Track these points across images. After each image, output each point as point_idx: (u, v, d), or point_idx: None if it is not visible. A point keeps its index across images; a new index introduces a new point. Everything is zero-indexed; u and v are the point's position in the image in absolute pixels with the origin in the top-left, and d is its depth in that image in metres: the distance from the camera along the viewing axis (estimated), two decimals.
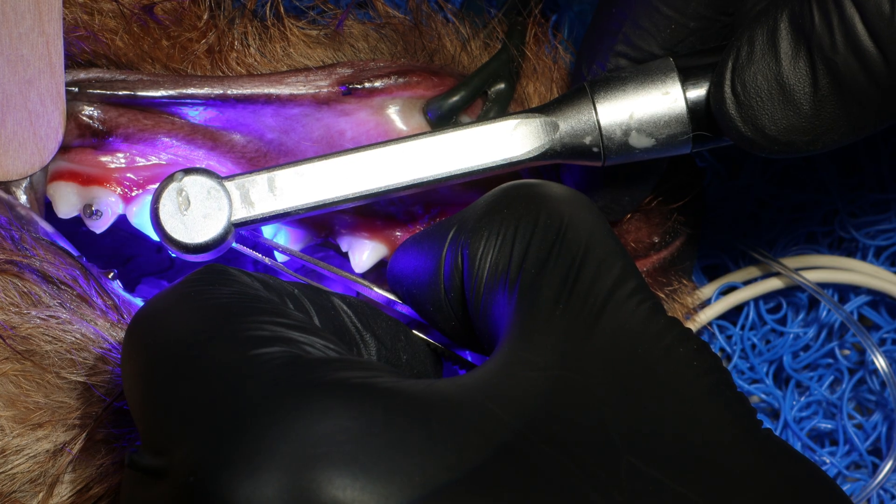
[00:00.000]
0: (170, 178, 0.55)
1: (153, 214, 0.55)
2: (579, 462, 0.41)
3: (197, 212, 0.55)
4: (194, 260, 0.56)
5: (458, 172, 0.56)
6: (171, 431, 0.41)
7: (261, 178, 0.56)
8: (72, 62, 0.60)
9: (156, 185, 0.61)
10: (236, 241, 0.57)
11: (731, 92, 0.54)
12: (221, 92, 0.60)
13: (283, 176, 0.56)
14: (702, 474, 0.42)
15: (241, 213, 0.56)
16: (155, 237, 0.61)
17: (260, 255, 0.58)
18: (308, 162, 0.56)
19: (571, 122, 0.56)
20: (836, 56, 0.51)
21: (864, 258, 0.73)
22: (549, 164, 0.59)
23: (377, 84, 0.61)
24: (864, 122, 0.53)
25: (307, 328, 0.44)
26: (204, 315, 0.44)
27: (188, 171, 0.56)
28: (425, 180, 0.56)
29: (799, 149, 0.54)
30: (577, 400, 0.43)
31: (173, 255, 0.57)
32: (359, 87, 0.61)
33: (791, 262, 0.72)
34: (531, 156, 0.56)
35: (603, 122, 0.56)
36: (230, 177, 0.56)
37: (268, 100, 0.61)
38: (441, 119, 0.61)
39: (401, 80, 0.61)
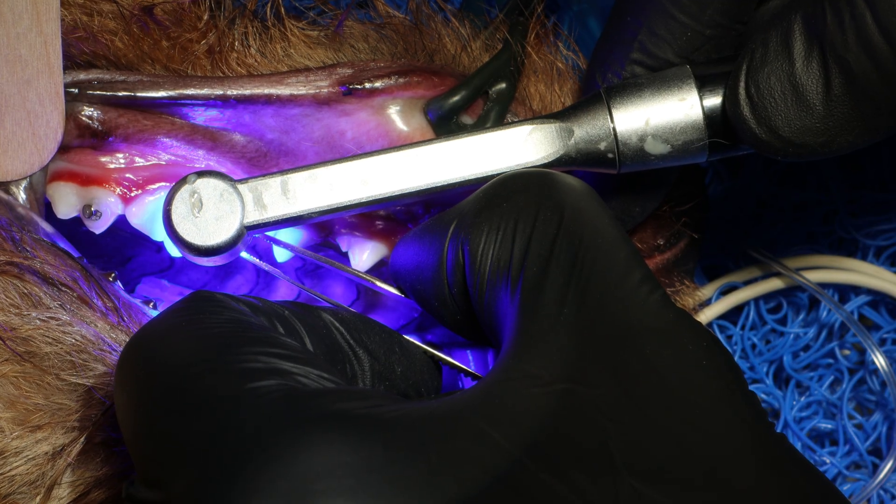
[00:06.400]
0: (182, 181, 0.55)
1: (165, 216, 0.55)
2: (578, 489, 0.41)
3: (209, 214, 0.55)
4: (205, 263, 0.56)
5: (473, 178, 0.56)
6: (168, 465, 0.41)
7: (274, 182, 0.56)
8: (71, 63, 0.60)
9: (155, 186, 0.61)
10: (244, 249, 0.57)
11: (746, 94, 0.54)
12: (221, 92, 0.60)
13: (297, 179, 0.56)
14: (707, 492, 0.42)
15: (253, 216, 0.55)
16: (157, 237, 0.61)
17: (263, 263, 0.58)
18: (322, 166, 0.56)
19: (587, 128, 0.56)
20: (847, 54, 0.51)
21: (864, 258, 0.74)
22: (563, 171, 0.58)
23: (377, 84, 0.61)
24: (878, 123, 0.52)
25: (301, 358, 0.44)
26: (196, 346, 0.44)
27: (201, 174, 0.55)
28: (438, 185, 0.56)
29: (814, 151, 0.54)
30: (580, 418, 0.43)
31: (181, 255, 0.57)
32: (359, 87, 0.60)
33: (791, 262, 0.72)
34: (546, 161, 0.56)
35: (619, 128, 0.56)
36: (243, 180, 0.56)
37: (268, 100, 0.61)
38: (442, 119, 0.61)
39: (401, 80, 0.61)
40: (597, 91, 0.57)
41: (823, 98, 0.52)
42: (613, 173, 0.57)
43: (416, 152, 0.56)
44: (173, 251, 0.58)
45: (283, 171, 0.56)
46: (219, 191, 0.55)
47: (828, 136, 0.53)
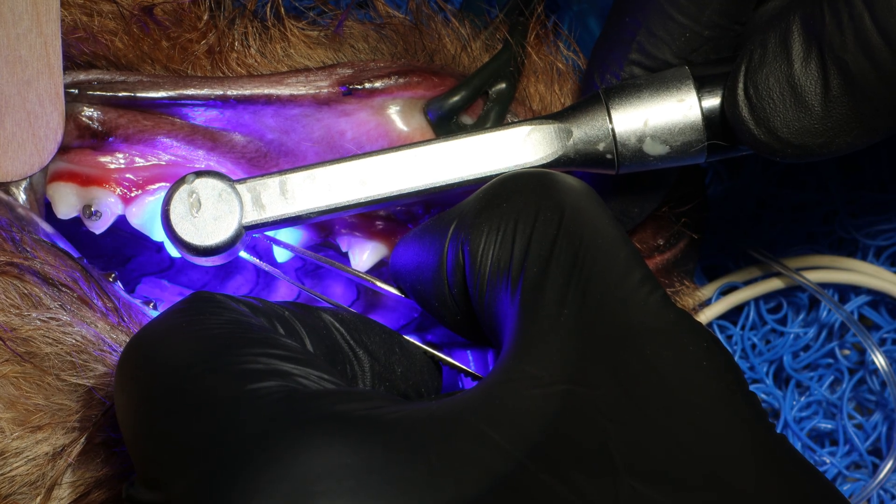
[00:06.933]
0: (181, 181, 0.55)
1: (164, 216, 0.55)
2: (578, 490, 0.41)
3: (208, 214, 0.55)
4: (204, 263, 0.56)
5: (472, 178, 0.56)
6: (168, 466, 0.41)
7: (272, 182, 0.56)
8: (71, 63, 0.60)
9: (155, 186, 0.61)
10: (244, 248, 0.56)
11: (744, 95, 0.54)
12: (221, 93, 0.60)
13: (295, 179, 0.56)
14: (707, 492, 0.42)
15: (251, 216, 0.55)
16: (157, 238, 0.61)
17: (263, 263, 0.58)
18: (320, 166, 0.56)
19: (585, 129, 0.56)
20: (846, 54, 0.51)
21: (864, 258, 0.74)
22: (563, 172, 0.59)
23: (377, 84, 0.61)
24: (876, 123, 0.52)
25: (301, 359, 0.44)
26: (197, 347, 0.44)
27: (199, 174, 0.55)
28: (437, 186, 0.56)
29: (813, 152, 0.54)
30: (580, 419, 0.43)
31: (180, 255, 0.57)
32: (359, 87, 0.60)
33: (791, 262, 0.72)
34: (544, 162, 0.56)
35: (617, 129, 0.56)
36: (241, 180, 0.56)
37: (268, 100, 0.61)
38: (441, 119, 0.61)
39: (401, 80, 0.61)
40: (595, 92, 0.57)
41: (822, 99, 0.52)
42: (612, 174, 0.57)
43: (415, 152, 0.56)
44: (173, 251, 0.58)
45: (281, 171, 0.56)
46: (217, 191, 0.55)
47: (826, 137, 0.53)
